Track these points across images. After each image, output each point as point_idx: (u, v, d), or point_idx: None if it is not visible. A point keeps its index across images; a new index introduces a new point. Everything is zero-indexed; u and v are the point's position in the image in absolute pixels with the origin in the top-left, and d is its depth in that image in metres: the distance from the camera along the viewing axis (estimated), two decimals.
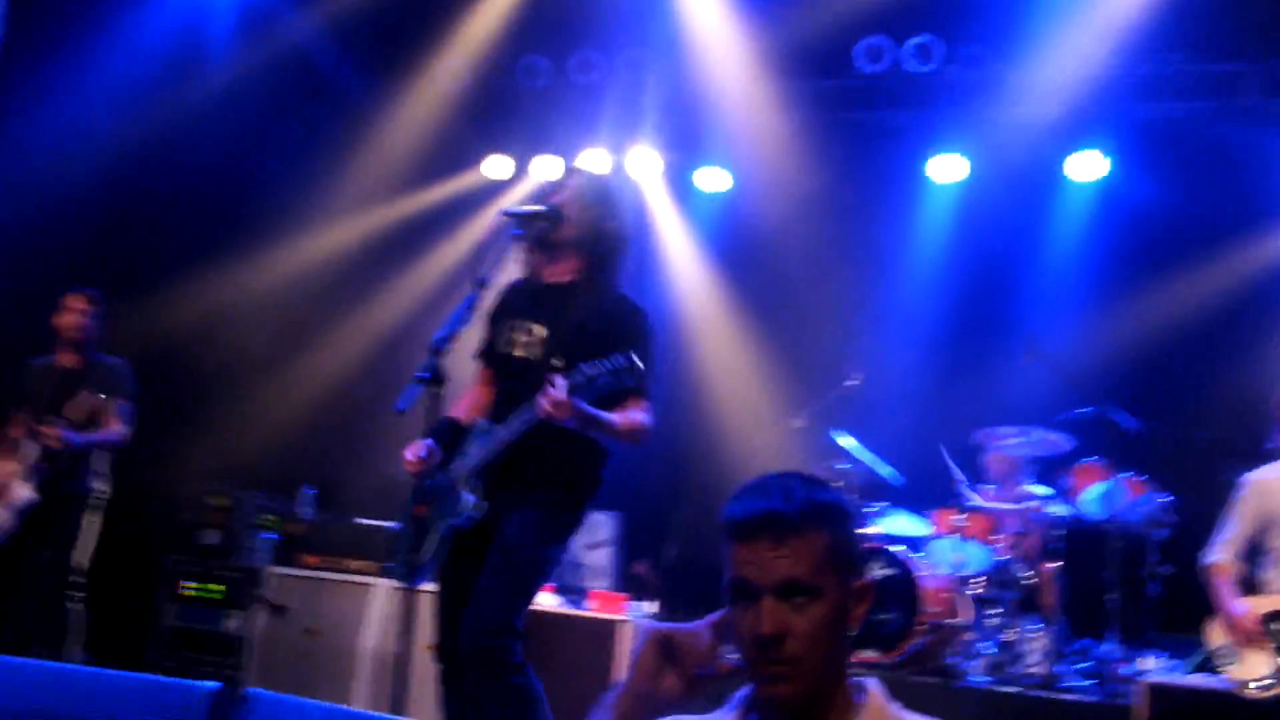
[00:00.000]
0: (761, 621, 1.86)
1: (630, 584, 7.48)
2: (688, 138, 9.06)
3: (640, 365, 3.80)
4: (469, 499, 4.07)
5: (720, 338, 8.99)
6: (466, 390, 4.35)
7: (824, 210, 8.67)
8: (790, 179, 8.68)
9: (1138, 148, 8.26)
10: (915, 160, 8.68)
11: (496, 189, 9.47)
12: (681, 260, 9.22)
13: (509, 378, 4.19)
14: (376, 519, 7.45)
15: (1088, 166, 8.31)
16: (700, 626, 2.08)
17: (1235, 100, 7.82)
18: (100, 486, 6.52)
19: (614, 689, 2.10)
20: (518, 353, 4.18)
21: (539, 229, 4.15)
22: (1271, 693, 4.87)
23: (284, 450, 8.33)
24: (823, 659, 1.89)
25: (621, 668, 5.57)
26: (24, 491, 6.21)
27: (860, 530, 2.09)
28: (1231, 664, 5.07)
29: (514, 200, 8.84)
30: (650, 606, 7.29)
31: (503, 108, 9.28)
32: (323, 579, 7.37)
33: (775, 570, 1.87)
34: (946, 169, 8.56)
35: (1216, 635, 5.17)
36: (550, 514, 4.09)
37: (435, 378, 3.84)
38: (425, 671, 4.45)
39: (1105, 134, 8.26)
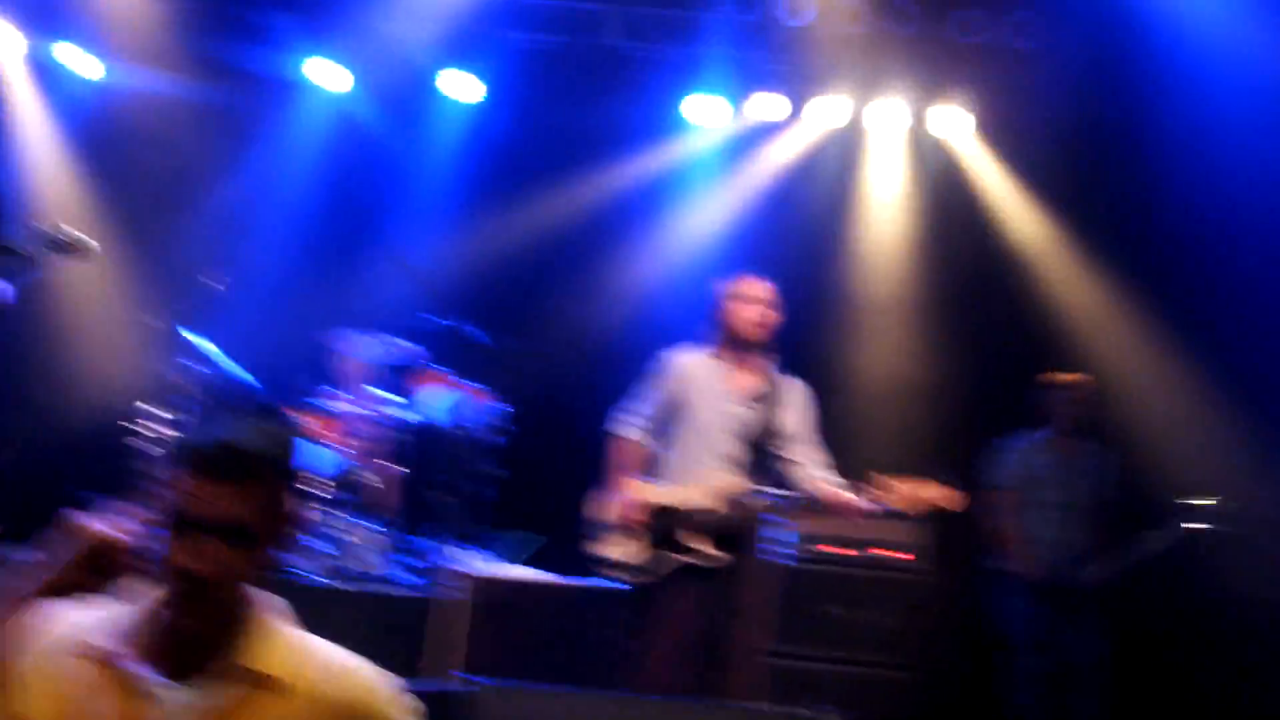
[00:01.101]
0: (196, 559, 1.77)
1: None
2: (52, 16, 8.18)
3: None
4: None
5: (75, 228, 8.22)
6: None
7: (200, 106, 8.26)
8: (166, 71, 8.14)
9: (510, 74, 8.36)
10: (294, 61, 8.30)
11: None
12: (40, 147, 8.30)
13: None
14: None
15: (462, 87, 8.35)
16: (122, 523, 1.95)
17: (597, 37, 8.09)
18: None
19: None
20: None
21: None
22: (636, 579, 4.85)
23: None
24: (241, 594, 1.85)
25: None
26: None
27: (302, 470, 1.91)
28: (606, 542, 4.88)
29: None
30: None
31: None
32: None
33: (222, 509, 1.78)
34: (325, 74, 8.29)
35: (599, 510, 4.94)
36: None
37: None
38: None
39: (481, 57, 8.30)
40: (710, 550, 4.78)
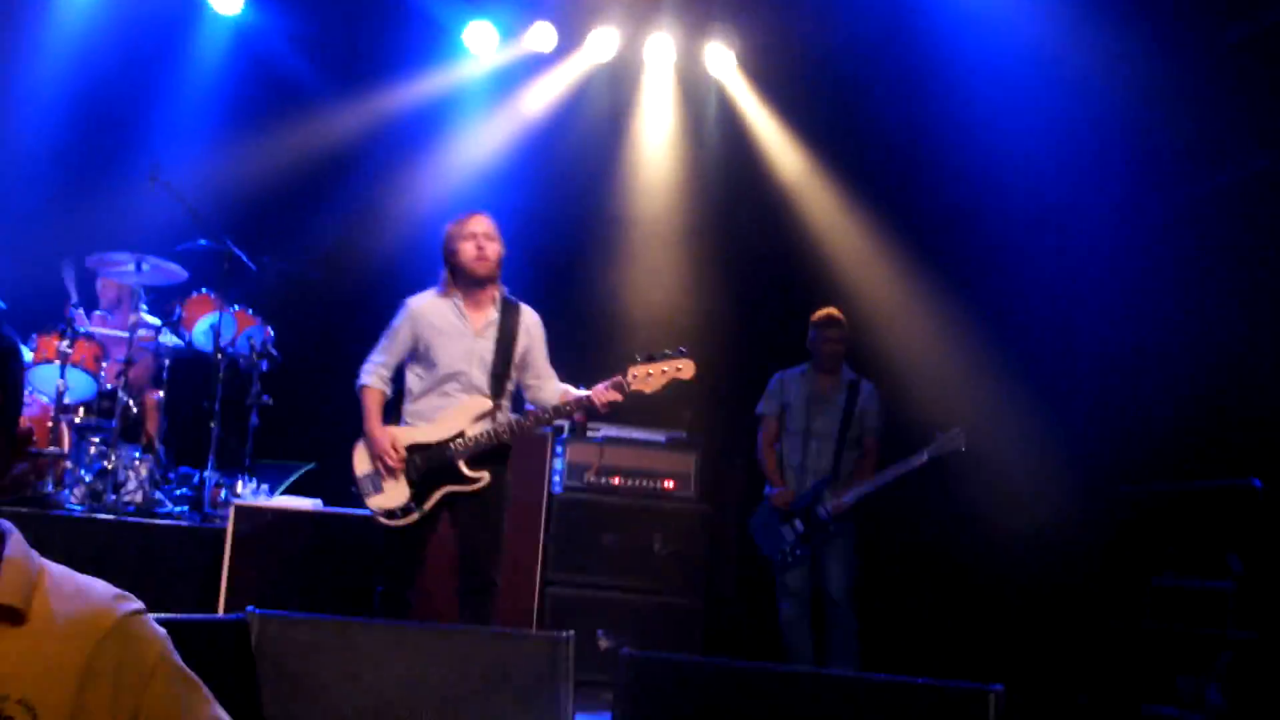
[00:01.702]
0: None
1: None
2: None
3: None
4: None
5: None
6: None
7: None
8: None
9: None
10: None
11: None
12: None
13: None
14: None
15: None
16: None
17: None
18: None
19: None
20: None
21: None
22: (404, 520, 4.84)
23: None
24: None
25: None
26: None
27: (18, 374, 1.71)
28: (374, 494, 4.87)
29: None
30: None
31: None
32: None
33: None
34: None
35: (361, 462, 4.92)
36: None
37: None
38: None
39: None
40: (468, 472, 4.85)
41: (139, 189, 6.76)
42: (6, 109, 7.59)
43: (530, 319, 5.13)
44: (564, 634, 3.20)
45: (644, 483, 6.49)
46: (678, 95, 8.34)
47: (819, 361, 6.45)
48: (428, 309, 5.04)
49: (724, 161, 8.27)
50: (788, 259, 7.88)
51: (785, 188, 8.10)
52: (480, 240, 4.96)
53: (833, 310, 6.49)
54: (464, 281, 5.00)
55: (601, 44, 8.19)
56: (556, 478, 6.44)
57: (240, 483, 6.45)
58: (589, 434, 6.63)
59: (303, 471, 6.97)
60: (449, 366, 4.96)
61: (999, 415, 6.75)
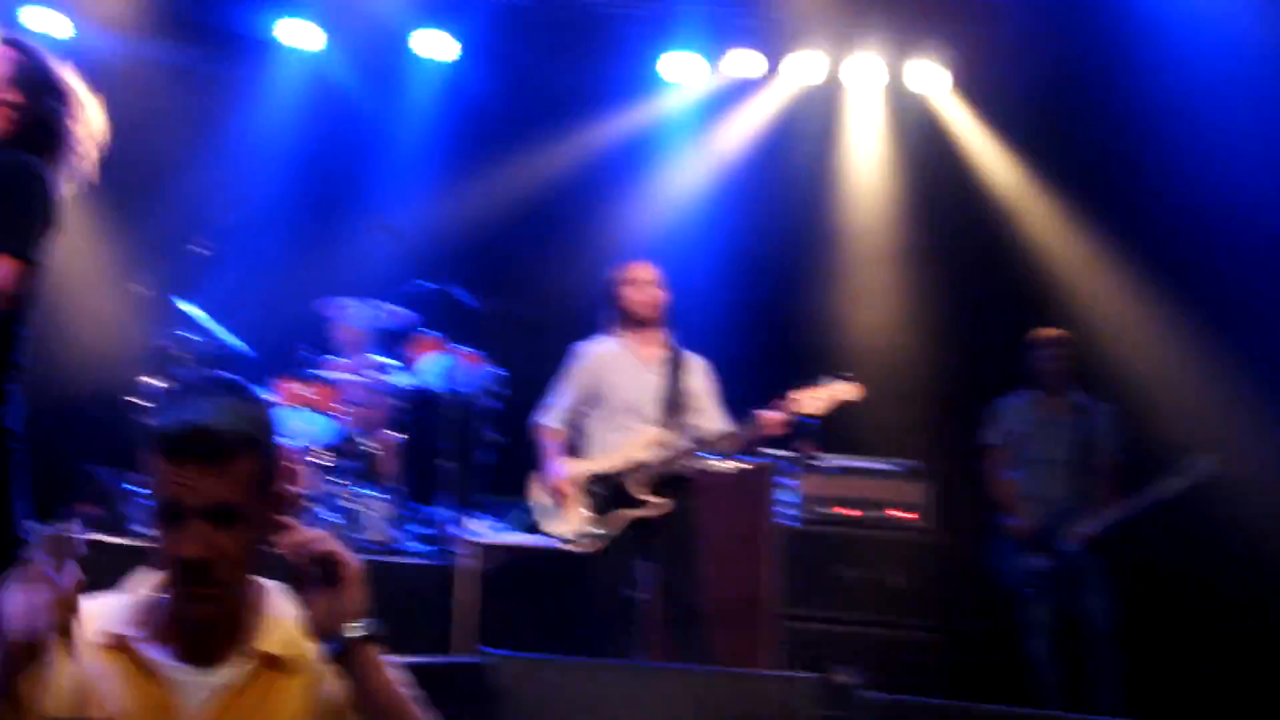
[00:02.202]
0: (190, 545, 1.77)
1: None
2: None
3: None
4: None
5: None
6: None
7: (171, 69, 7.99)
8: (134, 34, 7.81)
9: (484, 32, 8.18)
10: (266, 22, 8.03)
11: None
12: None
13: None
14: None
15: (437, 46, 8.16)
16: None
17: None
18: None
19: None
20: None
21: None
22: (590, 547, 5.04)
23: None
24: (242, 577, 1.87)
25: None
26: None
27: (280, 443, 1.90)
28: (552, 521, 5.17)
29: None
30: None
31: None
32: None
33: (205, 493, 1.76)
34: (296, 33, 8.02)
35: (538, 494, 5.25)
36: None
37: None
38: None
39: (455, 16, 8.12)
40: (645, 498, 5.01)
41: (363, 235, 7.04)
42: (241, 166, 7.91)
43: (699, 365, 5.32)
44: (805, 675, 3.29)
45: (876, 513, 6.35)
46: (885, 113, 8.19)
47: (1043, 384, 6.26)
48: (599, 351, 5.32)
49: (937, 178, 8.07)
50: (1010, 276, 7.65)
51: (1003, 203, 7.88)
52: (641, 285, 5.25)
53: (1052, 329, 6.31)
54: (632, 324, 5.27)
55: (804, 67, 8.07)
56: (785, 510, 6.33)
57: (475, 520, 6.55)
58: (819, 464, 6.48)
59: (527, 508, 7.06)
60: (621, 401, 5.17)
61: (1258, 434, 6.41)
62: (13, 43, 3.59)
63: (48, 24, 7.86)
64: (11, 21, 7.80)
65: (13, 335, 3.39)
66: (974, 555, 6.57)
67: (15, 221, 3.29)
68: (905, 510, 6.35)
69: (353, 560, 1.87)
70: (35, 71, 3.47)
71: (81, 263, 7.76)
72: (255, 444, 1.83)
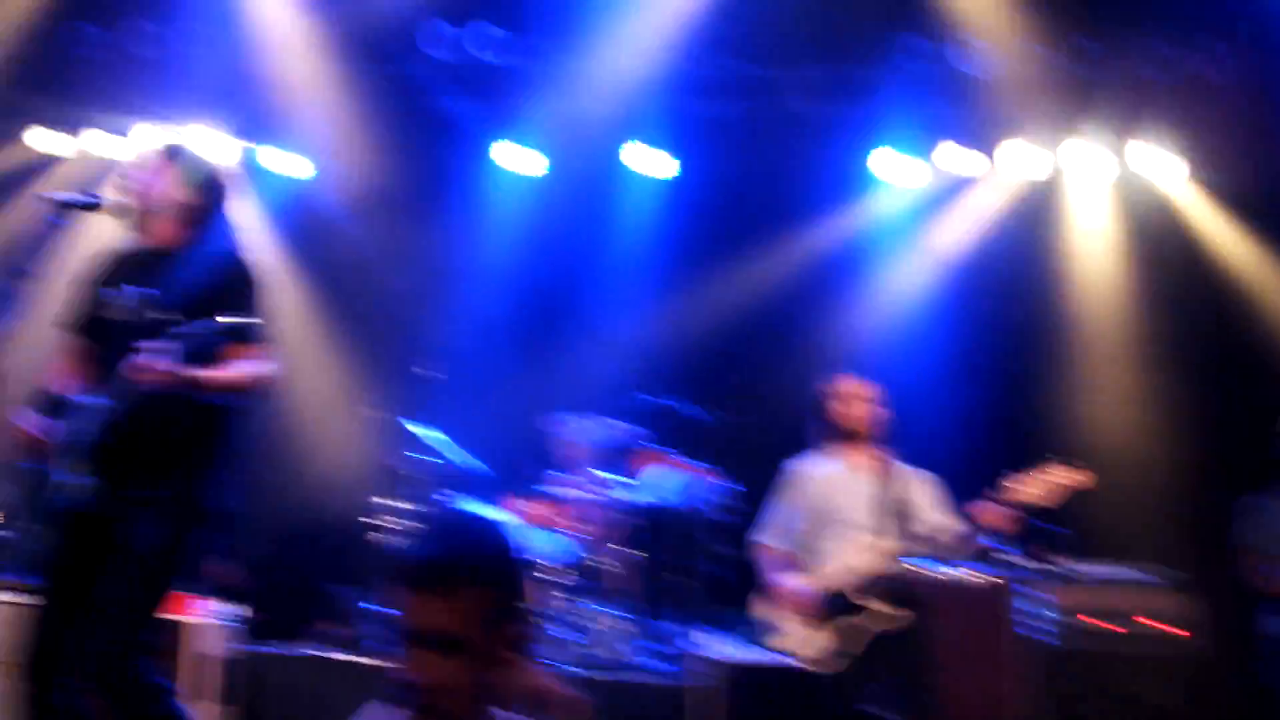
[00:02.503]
0: (418, 670, 1.86)
1: (206, 585, 6.68)
2: (254, 118, 8.42)
3: (239, 319, 3.66)
4: (72, 479, 3.64)
5: (293, 327, 8.42)
6: (53, 362, 3.97)
7: (399, 198, 8.38)
8: (364, 166, 8.32)
9: (696, 144, 8.38)
10: (486, 149, 8.49)
11: (37, 167, 8.47)
12: (255, 249, 8.50)
13: (108, 343, 3.81)
14: None
15: (649, 161, 8.37)
16: None
17: (778, 101, 8.01)
18: None
19: None
20: (113, 315, 3.84)
21: (120, 210, 3.93)
22: (829, 665, 4.95)
23: None
24: (472, 702, 1.90)
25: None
26: None
27: (522, 578, 2.09)
28: (782, 638, 5.12)
29: (55, 182, 8.10)
30: (230, 609, 6.63)
31: (48, 78, 8.27)
32: None
33: (433, 622, 1.86)
34: (519, 158, 8.42)
35: (764, 610, 5.24)
36: (171, 505, 3.75)
37: None
38: None
39: (666, 130, 8.34)
40: (874, 609, 4.97)
41: (588, 351, 7.32)
42: (471, 289, 8.22)
43: (918, 476, 5.31)
44: None
45: (1132, 626, 5.99)
46: (1112, 202, 7.94)
47: None
48: (813, 467, 5.38)
49: (1171, 266, 7.76)
50: (1254, 367, 7.28)
51: (1243, 288, 7.53)
52: (850, 400, 5.30)
53: None
54: (841, 437, 5.31)
55: (1022, 159, 7.93)
56: (1035, 623, 5.97)
57: (707, 635, 6.45)
58: (1068, 573, 6.15)
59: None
60: (840, 516, 5.18)
61: None
62: (173, 152, 4.04)
63: (286, 165, 8.43)
64: (251, 164, 8.35)
65: (235, 422, 3.81)
66: (1241, 666, 6.18)
67: (253, 311, 3.79)
68: (1170, 623, 5.98)
69: (584, 706, 1.98)
70: (194, 175, 3.99)
71: (320, 389, 8.15)
72: (485, 578, 1.90)
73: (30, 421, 3.72)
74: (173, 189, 3.96)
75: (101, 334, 3.89)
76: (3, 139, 8.38)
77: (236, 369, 3.77)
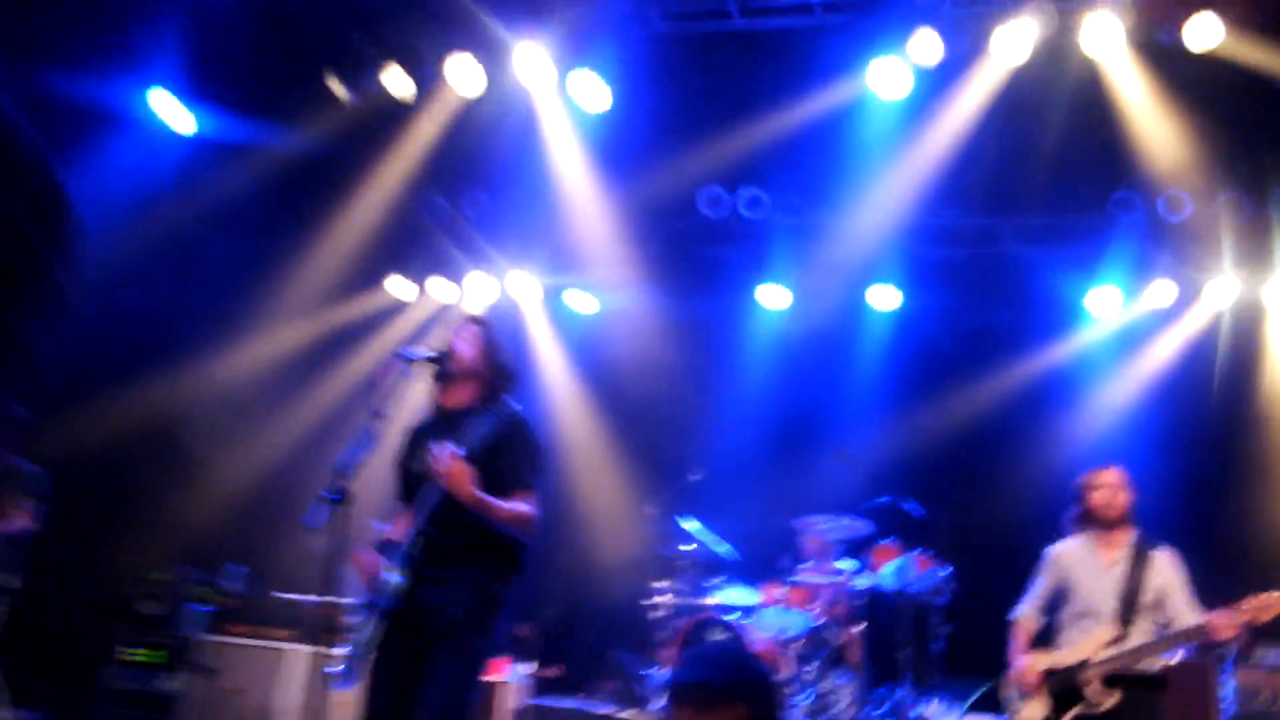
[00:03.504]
0: None
1: (512, 647, 7.62)
2: (561, 266, 9.49)
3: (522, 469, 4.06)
4: (395, 580, 4.03)
5: (586, 438, 9.39)
6: (398, 512, 4.30)
7: (673, 331, 9.19)
8: (645, 304, 9.23)
9: (926, 282, 8.93)
10: (748, 289, 9.23)
11: (399, 307, 9.81)
12: (554, 370, 9.69)
13: (418, 491, 4.14)
14: (293, 593, 7.71)
15: (886, 297, 9.01)
16: None
17: (998, 247, 8.63)
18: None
19: None
20: (423, 468, 4.12)
21: (440, 368, 4.31)
22: None
23: (217, 533, 8.43)
24: None
25: None
26: None
27: (780, 700, 2.34)
28: (1016, 710, 5.14)
29: (405, 336, 9.34)
30: (529, 667, 7.52)
31: (406, 238, 9.53)
32: (247, 645, 7.53)
33: None
34: (773, 296, 9.17)
35: (1007, 685, 5.23)
36: (484, 597, 4.09)
37: (341, 499, 3.95)
38: None
39: (899, 270, 8.94)
40: (1097, 693, 4.93)
41: (828, 460, 7.59)
42: (731, 411, 8.98)
43: (1165, 559, 5.14)
44: None
45: None
46: None
47: None
48: (1064, 552, 5.30)
49: None
50: None
51: None
52: (1105, 489, 5.20)
53: None
54: (1095, 525, 5.22)
55: (1221, 291, 8.25)
56: (1225, 704, 6.26)
57: (932, 702, 6.82)
58: (1258, 660, 6.42)
59: (984, 691, 7.07)
60: (1083, 599, 5.11)
61: None
62: (479, 322, 4.42)
63: (582, 303, 9.44)
64: (555, 301, 9.38)
65: (521, 549, 4.16)
66: None
67: (533, 463, 4.16)
68: None
69: None
70: (496, 347, 4.37)
71: (607, 488, 9.04)
72: (742, 695, 1.97)
73: (368, 558, 4.06)
74: (480, 358, 4.29)
75: (417, 483, 4.14)
76: (368, 287, 9.74)
77: (517, 507, 4.06)
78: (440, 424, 4.30)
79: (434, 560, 4.04)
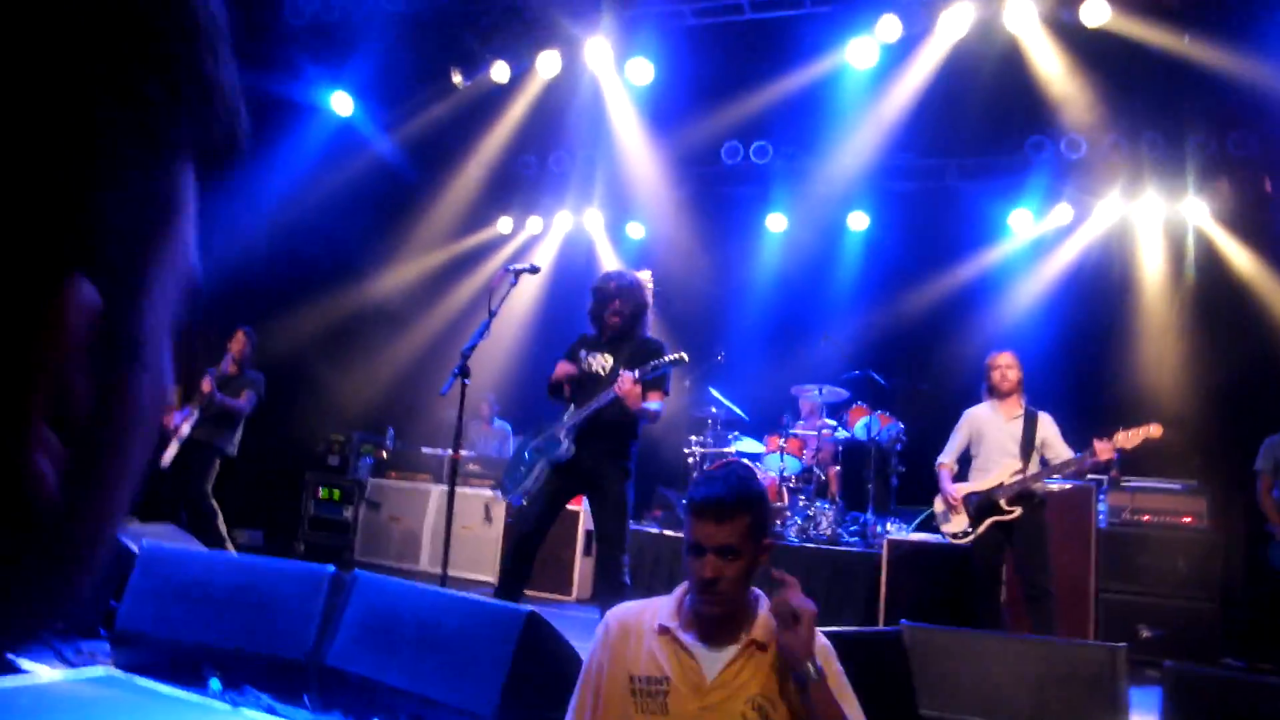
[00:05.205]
0: (706, 570, 1.85)
1: None
2: (621, 204, 9.25)
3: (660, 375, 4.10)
4: (566, 444, 4.12)
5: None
6: (559, 365, 4.33)
7: (702, 249, 8.92)
8: (682, 230, 8.91)
9: (888, 209, 8.60)
10: (757, 218, 8.93)
11: (504, 240, 9.70)
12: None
13: (586, 385, 4.22)
14: (433, 448, 7.69)
15: (859, 221, 8.69)
16: None
17: (942, 181, 8.29)
18: (227, 447, 6.17)
19: None
20: (594, 370, 4.23)
21: (603, 308, 4.28)
22: (966, 539, 5.09)
23: (378, 405, 8.49)
24: (739, 592, 1.89)
25: None
26: (186, 429, 5.96)
27: (770, 508, 2.46)
28: (945, 523, 5.17)
29: (510, 257, 9.17)
30: None
31: (508, 187, 9.42)
32: (400, 486, 7.58)
33: (715, 539, 1.85)
34: (776, 222, 8.86)
35: (938, 506, 5.24)
36: (626, 467, 4.18)
37: (464, 373, 4.09)
38: (463, 544, 4.95)
39: (869, 200, 8.60)
40: (1006, 507, 4.93)
41: (819, 344, 7.44)
42: (745, 308, 8.71)
43: (1046, 418, 5.10)
44: (1119, 645, 3.06)
45: (1167, 519, 6.09)
46: (1166, 243, 7.80)
47: None
48: (975, 413, 5.30)
49: (1206, 279, 7.56)
50: (1269, 343, 6.92)
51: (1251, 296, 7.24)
52: (1002, 368, 5.16)
53: None
54: (997, 394, 5.19)
55: (1107, 211, 7.89)
56: (1101, 517, 6.15)
57: (889, 523, 6.73)
58: (1123, 485, 6.30)
59: (926, 514, 7.14)
60: (992, 445, 5.11)
61: None
62: (630, 282, 4.36)
63: (637, 232, 9.13)
64: (616, 230, 9.13)
65: (636, 435, 4.24)
66: (1245, 552, 6.13)
67: (665, 374, 4.16)
68: (1190, 516, 6.08)
69: (809, 608, 1.85)
70: (642, 297, 4.35)
71: None
72: (748, 507, 1.85)
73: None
74: (627, 309, 4.25)
75: (584, 379, 4.23)
76: (483, 223, 9.63)
77: (650, 405, 4.09)
78: (599, 339, 4.32)
79: (596, 434, 4.11)
